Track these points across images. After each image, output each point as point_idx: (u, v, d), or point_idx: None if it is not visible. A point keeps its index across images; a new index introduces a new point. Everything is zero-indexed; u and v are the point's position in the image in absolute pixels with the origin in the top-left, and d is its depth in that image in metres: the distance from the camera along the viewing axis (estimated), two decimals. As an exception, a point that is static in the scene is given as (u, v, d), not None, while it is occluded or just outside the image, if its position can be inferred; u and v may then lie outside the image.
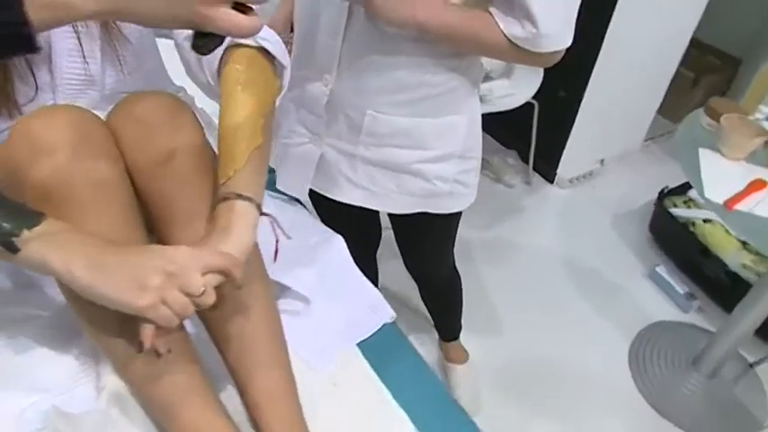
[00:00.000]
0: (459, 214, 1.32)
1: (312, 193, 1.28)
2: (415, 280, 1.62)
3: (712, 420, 1.91)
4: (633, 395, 1.96)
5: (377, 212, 1.27)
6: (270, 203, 1.17)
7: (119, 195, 0.76)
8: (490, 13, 0.95)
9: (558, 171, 2.75)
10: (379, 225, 1.58)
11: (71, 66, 0.88)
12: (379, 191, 1.19)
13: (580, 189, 2.81)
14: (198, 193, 0.79)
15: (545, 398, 1.94)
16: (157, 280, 0.64)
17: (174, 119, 0.81)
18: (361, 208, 1.23)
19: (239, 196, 0.74)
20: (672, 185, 2.47)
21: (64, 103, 0.87)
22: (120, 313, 0.66)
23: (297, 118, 1.20)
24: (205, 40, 0.64)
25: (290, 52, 1.15)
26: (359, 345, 0.99)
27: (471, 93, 1.13)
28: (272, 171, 1.34)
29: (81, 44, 0.87)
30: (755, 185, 1.43)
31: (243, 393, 0.82)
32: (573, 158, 2.71)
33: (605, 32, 2.26)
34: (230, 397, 0.84)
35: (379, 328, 1.02)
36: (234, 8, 0.61)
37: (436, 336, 1.96)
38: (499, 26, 0.94)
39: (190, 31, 0.86)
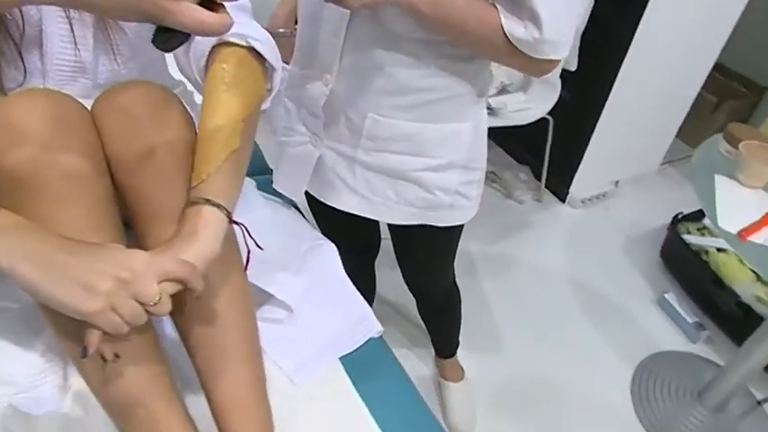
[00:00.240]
0: (460, 228, 1.27)
1: (309, 197, 1.24)
2: (413, 293, 1.57)
3: (715, 457, 1.84)
4: (633, 424, 1.89)
5: (376, 220, 1.23)
6: (264, 206, 1.13)
7: (93, 188, 0.72)
8: (495, 8, 0.91)
9: (571, 190, 2.69)
10: (379, 232, 1.53)
11: (62, 52, 0.85)
12: (376, 199, 1.15)
13: (592, 210, 2.75)
14: (178, 192, 0.75)
15: (541, 420, 1.88)
16: (107, 285, 0.60)
17: (160, 112, 0.77)
18: (359, 215, 1.19)
19: (208, 201, 0.71)
20: (687, 211, 2.41)
21: (46, 88, 0.84)
22: None
23: (297, 117, 1.16)
24: (166, 36, 0.57)
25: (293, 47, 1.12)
26: (341, 358, 0.94)
27: (478, 101, 1.09)
28: (268, 173, 1.30)
29: (73, 30, 0.84)
30: (772, 216, 1.37)
31: (209, 399, 0.78)
32: (587, 178, 2.65)
33: (626, 51, 2.21)
34: (200, 402, 0.79)
35: (365, 342, 0.98)
36: (201, 3, 0.55)
37: (433, 350, 1.91)
38: (501, 22, 0.90)
39: None
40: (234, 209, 0.75)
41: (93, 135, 0.75)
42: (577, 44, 2.17)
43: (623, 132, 2.55)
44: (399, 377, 0.97)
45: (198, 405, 0.78)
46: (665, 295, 2.27)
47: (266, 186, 1.22)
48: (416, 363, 1.99)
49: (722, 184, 1.47)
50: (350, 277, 1.08)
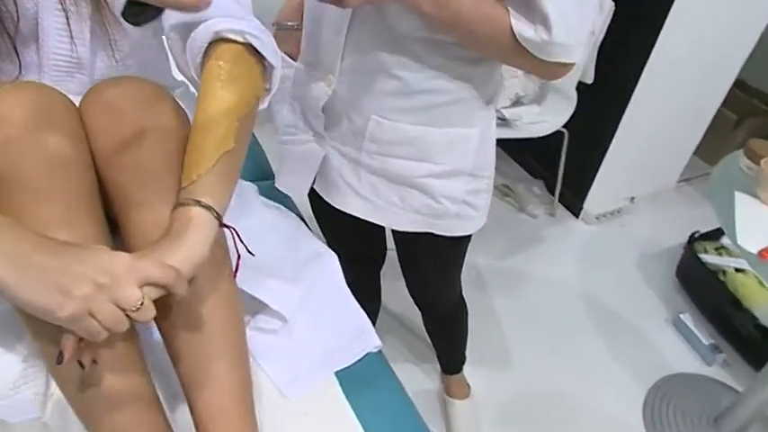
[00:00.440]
0: (467, 239, 1.23)
1: (313, 200, 1.21)
2: (418, 306, 1.53)
3: (730, 486, 1.77)
4: (645, 449, 1.83)
5: (382, 226, 1.20)
6: (265, 211, 1.10)
7: (75, 182, 0.70)
8: (505, 9, 0.87)
9: (585, 205, 2.64)
10: (384, 241, 1.49)
11: (58, 46, 0.83)
12: (381, 204, 1.12)
13: (607, 226, 2.69)
14: (166, 191, 0.72)
15: (549, 441, 1.83)
16: (85, 289, 0.57)
17: (150, 107, 0.74)
18: (364, 220, 1.15)
19: (198, 203, 0.67)
20: (704, 230, 2.35)
21: (31, 81, 0.81)
22: None
23: (301, 115, 1.14)
24: (137, 9, 0.55)
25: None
26: (337, 372, 0.90)
27: (485, 106, 1.05)
28: (272, 178, 1.27)
29: (69, 24, 0.82)
30: (795, 236, 1.31)
31: (191, 409, 0.74)
32: (601, 193, 2.60)
33: (645, 65, 2.16)
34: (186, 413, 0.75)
35: (363, 356, 0.94)
36: None
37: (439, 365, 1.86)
38: (510, 23, 0.85)
39: (176, 19, 0.80)
40: (225, 212, 0.71)
41: (78, 129, 0.72)
42: (594, 56, 2.14)
43: (640, 148, 2.50)
44: (397, 394, 0.92)
45: (184, 416, 0.75)
46: (681, 316, 2.21)
47: (269, 192, 1.18)
48: (422, 378, 1.94)
49: (742, 201, 1.42)
50: (353, 288, 1.04)
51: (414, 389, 1.00)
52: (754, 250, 1.28)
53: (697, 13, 2.09)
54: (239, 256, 0.77)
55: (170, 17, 0.80)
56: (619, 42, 2.15)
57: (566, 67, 0.91)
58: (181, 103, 0.87)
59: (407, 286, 1.44)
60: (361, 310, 1.00)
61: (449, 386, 1.84)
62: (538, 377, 2.00)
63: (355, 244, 1.39)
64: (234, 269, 0.78)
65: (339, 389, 0.88)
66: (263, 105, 0.81)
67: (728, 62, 2.42)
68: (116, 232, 0.76)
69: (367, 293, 1.04)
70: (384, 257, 1.57)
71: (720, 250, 2.28)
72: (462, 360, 1.79)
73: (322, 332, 0.94)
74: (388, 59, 0.95)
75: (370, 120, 1.02)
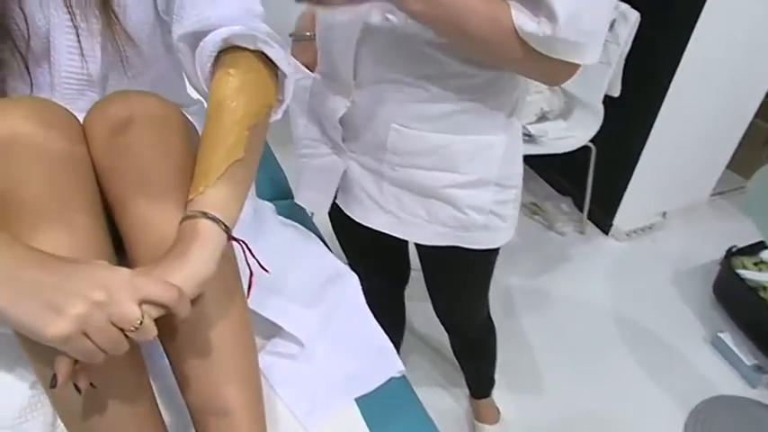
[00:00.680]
0: (495, 252, 1.18)
1: (334, 216, 1.18)
2: (445, 327, 1.48)
3: None
4: (687, 477, 1.75)
5: (405, 243, 1.15)
6: (283, 231, 1.06)
7: (77, 197, 0.67)
8: (506, 5, 0.81)
9: (615, 222, 2.57)
10: (408, 259, 1.45)
11: (69, 64, 0.82)
12: (406, 217, 1.08)
13: (638, 242, 2.61)
14: (172, 211, 0.69)
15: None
16: (79, 306, 0.53)
17: (155, 121, 0.71)
18: (387, 235, 1.12)
19: (205, 215, 0.64)
20: (741, 245, 2.26)
21: (33, 96, 0.79)
22: None
23: (320, 127, 1.11)
24: None
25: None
26: (358, 399, 0.86)
27: (511, 111, 1.01)
28: (287, 197, 1.24)
29: (80, 41, 0.80)
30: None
31: None
32: (632, 209, 2.53)
33: (673, 76, 2.10)
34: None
35: (385, 382, 0.89)
36: None
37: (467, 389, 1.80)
38: (512, 18, 0.80)
39: (185, 28, 0.78)
40: (234, 224, 0.67)
41: (81, 142, 0.70)
42: (620, 68, 2.09)
43: (670, 161, 2.43)
44: (422, 421, 0.87)
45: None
46: (720, 334, 2.12)
47: (287, 212, 1.15)
48: (449, 402, 1.88)
49: (783, 213, 1.35)
50: (377, 309, 1.00)
51: (441, 413, 0.95)
52: (799, 264, 1.21)
53: (727, 22, 2.03)
54: (252, 273, 0.73)
55: (179, 26, 0.78)
56: (646, 53, 2.09)
57: (571, 68, 0.85)
58: (194, 121, 0.85)
59: (434, 306, 1.39)
60: (383, 332, 0.96)
61: (478, 411, 1.79)
62: (570, 400, 1.93)
63: (378, 262, 1.35)
64: (247, 287, 0.74)
65: (360, 416, 0.83)
66: (277, 116, 0.78)
67: (761, 71, 2.34)
68: (122, 251, 0.73)
69: (390, 316, 0.99)
70: (408, 276, 1.53)
71: (760, 265, 2.19)
72: (491, 383, 1.73)
73: (342, 357, 0.90)
74: (406, 66, 0.91)
75: (390, 129, 0.99)
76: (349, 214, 1.13)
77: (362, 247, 1.15)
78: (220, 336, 0.70)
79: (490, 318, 1.48)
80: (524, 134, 2.06)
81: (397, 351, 0.96)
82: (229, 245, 0.67)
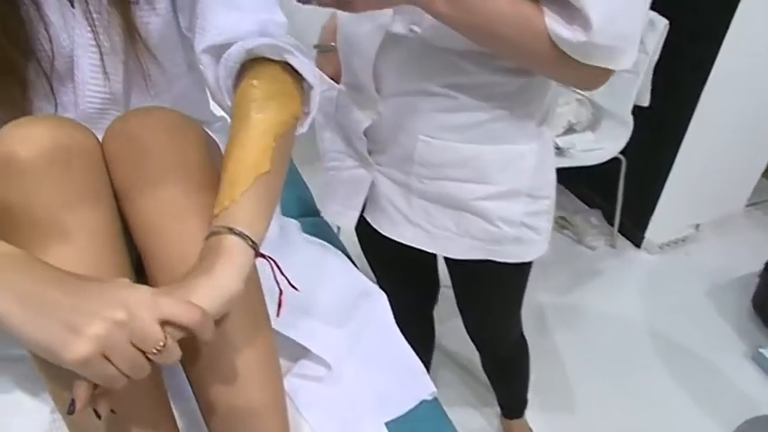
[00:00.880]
0: (528, 266, 1.15)
1: (361, 232, 1.15)
2: (476, 346, 1.44)
3: None
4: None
5: (434, 257, 1.12)
6: (309, 249, 1.04)
7: (93, 218, 0.65)
8: (538, 7, 0.79)
9: (647, 235, 2.51)
10: (438, 275, 1.42)
11: (93, 83, 0.81)
12: (435, 230, 1.05)
13: (671, 255, 2.55)
14: (192, 231, 0.67)
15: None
16: (97, 327, 0.50)
17: (175, 139, 0.70)
18: (415, 249, 1.09)
19: (231, 230, 0.61)
20: (780, 256, 2.19)
21: (51, 114, 0.78)
22: None
23: (345, 140, 1.09)
24: None
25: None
26: (388, 423, 0.82)
27: (542, 120, 0.98)
28: (316, 215, 1.22)
29: (103, 59, 0.79)
30: None
31: None
32: (664, 221, 2.47)
33: (705, 83, 2.06)
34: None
35: (416, 405, 0.86)
36: None
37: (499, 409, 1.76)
38: (545, 21, 0.77)
39: (209, 41, 0.76)
40: (262, 241, 0.64)
41: (99, 161, 0.68)
42: (650, 78, 2.05)
43: (703, 171, 2.37)
44: (456, 447, 0.84)
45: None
46: (761, 350, 2.05)
47: (312, 229, 1.13)
48: (480, 422, 1.83)
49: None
50: (406, 327, 0.97)
51: (472, 435, 0.94)
52: None
53: (759, 27, 1.99)
54: (281, 292, 0.70)
55: (202, 40, 0.76)
56: (675, 61, 2.05)
57: (606, 73, 0.83)
58: (217, 138, 0.83)
59: (465, 324, 1.36)
60: (413, 353, 0.93)
61: (510, 431, 1.74)
62: (605, 420, 1.87)
63: (407, 278, 1.32)
64: (277, 306, 0.71)
65: (390, 442, 0.80)
66: (303, 129, 0.76)
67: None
68: (142, 273, 0.71)
69: (420, 334, 0.97)
70: (437, 294, 1.49)
71: (801, 277, 2.12)
72: (524, 403, 1.68)
73: (371, 378, 0.87)
74: (431, 76, 0.90)
75: (418, 140, 0.97)
76: (377, 228, 1.11)
77: (390, 261, 1.12)
78: (246, 361, 0.67)
79: (523, 335, 1.44)
80: (552, 147, 2.03)
81: (427, 371, 0.93)
82: (254, 263, 0.64)
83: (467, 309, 1.31)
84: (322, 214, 1.16)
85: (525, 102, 0.93)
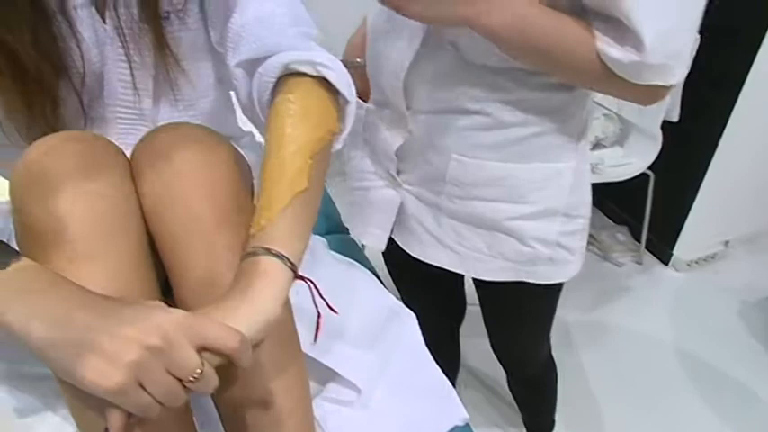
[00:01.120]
0: (559, 287, 1.12)
1: (386, 252, 1.13)
2: (504, 366, 1.41)
3: None
4: None
5: (462, 278, 1.10)
6: (335, 267, 1.02)
7: (124, 243, 0.63)
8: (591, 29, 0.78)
9: (675, 252, 2.46)
10: (464, 294, 1.39)
11: (123, 99, 0.80)
12: (466, 252, 1.02)
13: (699, 273, 2.49)
14: (222, 252, 0.65)
15: None
16: (133, 354, 0.48)
17: (204, 157, 0.68)
18: (444, 271, 1.06)
19: (268, 251, 0.58)
20: (813, 275, 2.13)
21: (80, 130, 0.77)
22: None
23: (374, 159, 1.07)
24: None
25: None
26: (419, 451, 0.80)
27: (579, 134, 0.95)
28: (343, 232, 1.20)
29: (133, 74, 0.78)
30: None
31: None
32: (693, 238, 2.42)
33: (737, 97, 2.01)
34: None
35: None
36: None
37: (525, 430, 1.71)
38: (596, 44, 0.76)
39: (242, 55, 0.75)
40: (300, 262, 0.62)
41: (128, 180, 0.66)
42: (680, 92, 2.01)
43: (734, 187, 2.32)
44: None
45: None
46: (794, 371, 1.99)
47: (339, 246, 1.11)
48: (507, 444, 1.80)
49: None
50: (431, 348, 0.94)
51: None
52: None
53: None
54: (319, 315, 0.68)
55: (236, 54, 0.75)
56: (707, 74, 2.01)
57: (665, 90, 0.80)
58: (245, 154, 0.82)
59: (492, 345, 1.33)
60: (444, 376, 0.90)
61: (537, 453, 1.69)
62: (634, 443, 1.82)
63: (434, 299, 1.29)
64: (315, 330, 0.69)
65: (422, 471, 0.77)
66: (338, 146, 0.74)
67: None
68: (169, 293, 0.69)
69: (445, 355, 0.94)
70: (464, 313, 1.46)
71: (836, 297, 2.06)
72: (552, 424, 1.64)
73: (401, 403, 0.84)
74: (467, 92, 0.87)
75: (450, 159, 0.94)
76: (406, 250, 1.09)
77: (417, 281, 1.10)
78: (277, 386, 0.65)
79: (551, 356, 1.41)
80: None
81: (453, 392, 0.90)
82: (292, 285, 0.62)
83: (496, 330, 1.28)
84: (352, 235, 1.14)
85: (563, 118, 0.91)
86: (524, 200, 0.95)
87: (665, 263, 2.51)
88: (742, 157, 2.22)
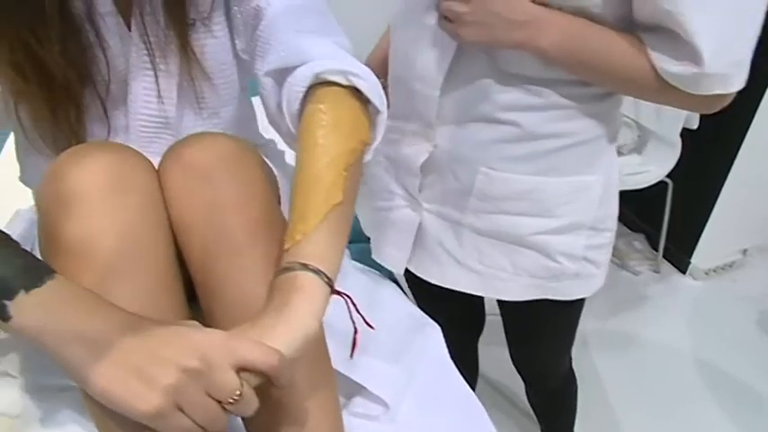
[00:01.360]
0: (582, 301, 1.10)
1: (405, 271, 1.11)
2: (523, 378, 1.39)
3: None
4: None
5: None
6: (359, 278, 1.01)
7: (153, 259, 0.62)
8: (639, 39, 0.77)
9: (693, 260, 2.43)
10: (483, 307, 1.38)
11: (146, 106, 0.79)
12: (488, 271, 1.00)
13: (718, 282, 2.47)
14: (251, 266, 0.64)
15: None
16: (172, 376, 0.47)
17: (233, 168, 0.67)
18: (465, 293, 1.05)
19: (305, 267, 0.57)
20: (834, 284, 2.11)
21: (107, 141, 0.76)
22: None
23: (394, 177, 1.05)
24: None
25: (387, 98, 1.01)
26: (445, 465, 0.78)
27: (609, 146, 0.94)
28: (365, 241, 1.19)
29: (158, 82, 0.77)
30: None
31: None
32: (711, 246, 2.39)
33: (758, 104, 2.00)
34: None
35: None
36: None
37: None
38: (649, 58, 0.75)
39: (272, 63, 0.74)
40: (336, 277, 0.61)
41: (157, 194, 0.66)
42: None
43: (753, 195, 2.30)
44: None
45: None
46: (814, 382, 1.96)
47: (361, 256, 1.10)
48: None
49: None
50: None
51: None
52: None
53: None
54: (356, 330, 0.67)
55: (264, 63, 0.74)
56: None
57: (726, 97, 0.79)
58: (269, 162, 0.81)
59: (512, 357, 1.31)
60: (471, 390, 0.89)
61: (556, 464, 1.66)
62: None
63: (453, 313, 1.27)
64: (351, 346, 0.68)
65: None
66: (368, 157, 0.72)
67: None
68: (199, 310, 0.68)
69: (465, 367, 0.92)
70: (483, 324, 1.45)
71: None
72: (571, 435, 1.61)
73: (428, 417, 0.82)
74: (498, 103, 0.86)
75: (478, 173, 0.92)
76: (424, 277, 1.07)
77: (436, 297, 1.08)
78: (309, 404, 0.64)
79: (572, 368, 1.39)
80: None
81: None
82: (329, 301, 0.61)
83: (517, 345, 1.27)
84: (374, 257, 1.12)
85: (594, 129, 0.90)
86: (551, 214, 0.93)
87: (683, 271, 2.48)
88: (761, 166, 2.19)
